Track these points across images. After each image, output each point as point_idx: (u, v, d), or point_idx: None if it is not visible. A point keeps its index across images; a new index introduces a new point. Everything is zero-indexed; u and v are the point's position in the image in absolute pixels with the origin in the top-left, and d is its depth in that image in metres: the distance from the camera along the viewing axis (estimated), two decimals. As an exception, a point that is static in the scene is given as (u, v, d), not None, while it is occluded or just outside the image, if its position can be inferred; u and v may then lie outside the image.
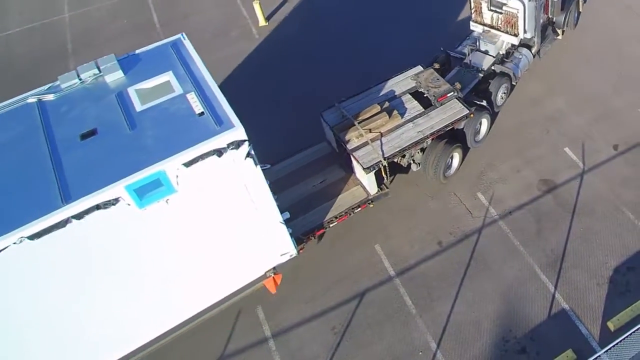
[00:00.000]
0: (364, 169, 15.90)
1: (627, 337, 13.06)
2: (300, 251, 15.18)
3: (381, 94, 17.81)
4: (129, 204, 11.34)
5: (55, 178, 11.30)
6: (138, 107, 12.70)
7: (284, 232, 14.26)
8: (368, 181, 16.48)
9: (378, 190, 16.73)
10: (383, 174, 16.32)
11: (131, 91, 13.04)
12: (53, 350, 12.07)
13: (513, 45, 19.84)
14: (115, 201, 11.14)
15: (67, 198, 10.89)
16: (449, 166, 17.96)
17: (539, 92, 20.79)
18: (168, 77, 13.33)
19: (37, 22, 25.80)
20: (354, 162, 16.46)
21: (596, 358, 12.99)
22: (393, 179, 17.73)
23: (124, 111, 12.62)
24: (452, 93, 17.53)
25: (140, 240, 12.09)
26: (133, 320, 12.98)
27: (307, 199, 15.80)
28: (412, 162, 17.65)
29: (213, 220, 12.92)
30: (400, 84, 18.12)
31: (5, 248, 10.18)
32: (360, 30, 23.82)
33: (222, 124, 12.10)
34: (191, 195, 12.11)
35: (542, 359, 14.13)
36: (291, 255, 14.83)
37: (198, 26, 24.75)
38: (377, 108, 16.98)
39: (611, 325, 14.49)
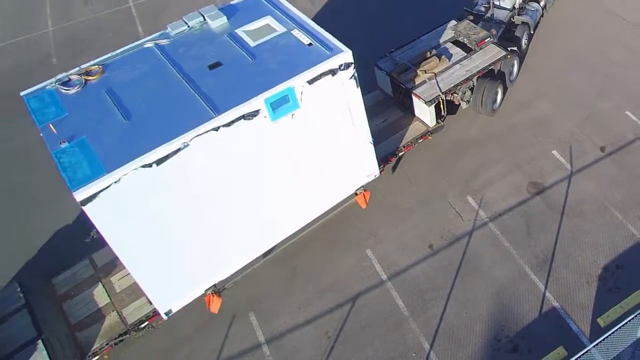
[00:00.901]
0: (425, 102, 18.67)
1: (615, 331, 13.72)
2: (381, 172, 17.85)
3: (426, 44, 20.92)
4: (265, 116, 13.86)
5: (199, 98, 13.75)
6: (251, 43, 15.17)
7: (371, 153, 16.96)
8: (428, 115, 19.20)
9: (437, 123, 19.48)
10: (441, 107, 19.23)
11: (240, 32, 15.57)
12: (205, 242, 14.42)
13: (524, 0, 23.01)
14: (255, 113, 13.65)
15: (216, 111, 13.33)
16: (495, 100, 20.80)
17: (527, 95, 21.65)
18: (268, 20, 15.88)
19: (20, 37, 26.43)
20: (414, 100, 19.26)
21: (585, 352, 13.62)
22: (445, 117, 19.79)
23: (240, 46, 15.14)
24: (489, 38, 20.63)
25: (270, 149, 14.51)
26: (262, 223, 15.37)
27: (374, 135, 16.98)
28: (461, 101, 20.38)
29: (323, 136, 15.46)
30: (441, 35, 21.17)
31: (178, 150, 12.70)
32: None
33: (331, 50, 14.69)
34: (310, 111, 14.66)
35: (534, 357, 14.80)
36: (375, 176, 17.43)
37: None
38: (428, 54, 20.13)
39: (601, 321, 15.20)
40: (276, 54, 14.87)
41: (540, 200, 18.29)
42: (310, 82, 14.24)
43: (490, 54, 20.25)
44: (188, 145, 12.80)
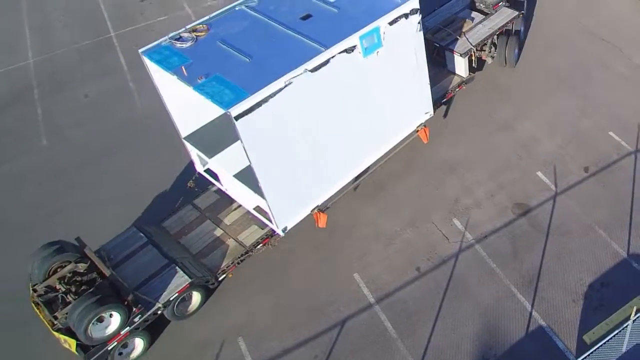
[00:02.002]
0: (461, 55, 22.41)
1: (600, 346, 14.58)
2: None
3: (448, 11, 24.66)
4: (359, 52, 17.12)
5: (304, 39, 16.94)
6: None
7: (428, 93, 20.53)
8: (463, 67, 22.91)
9: (469, 74, 23.16)
10: (472, 59, 23.09)
11: None
12: (320, 157, 17.78)
13: None
14: (353, 48, 16.91)
15: (325, 45, 16.49)
16: (515, 54, 24.89)
17: (510, 117, 22.75)
18: None
19: (0, 69, 27.27)
20: (447, 56, 23.11)
21: (571, 367, 14.48)
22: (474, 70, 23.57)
23: (322, 2, 18.39)
24: (502, 2, 24.40)
25: (361, 82, 17.87)
26: (352, 149, 18.74)
27: None
28: (488, 56, 24.16)
29: (397, 74, 18.95)
30: (459, 3, 24.89)
31: (298, 75, 15.76)
32: None
33: (402, 0, 18.03)
34: (389, 50, 18.02)
35: (522, 375, 15.62)
36: (430, 115, 20.98)
37: (166, 67, 26.36)
38: (454, 17, 24.07)
39: (587, 338, 16.09)
40: (356, 6, 18.22)
41: (525, 221, 19.26)
42: (391, 23, 17.72)
43: (505, 14, 24.25)
44: (308, 71, 16.02)
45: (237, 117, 14.74)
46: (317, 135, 17.24)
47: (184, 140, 18.97)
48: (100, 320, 15.03)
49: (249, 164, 15.96)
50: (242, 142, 15.28)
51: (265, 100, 15.25)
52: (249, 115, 15.00)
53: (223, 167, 18.33)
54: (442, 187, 20.59)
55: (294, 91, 15.83)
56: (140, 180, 21.42)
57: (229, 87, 15.37)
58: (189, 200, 19.50)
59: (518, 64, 25.02)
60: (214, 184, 19.46)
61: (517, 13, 24.42)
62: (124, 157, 22.55)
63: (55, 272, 15.83)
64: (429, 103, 20.76)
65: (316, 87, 16.41)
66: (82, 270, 15.84)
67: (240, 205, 18.98)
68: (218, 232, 18.48)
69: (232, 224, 18.70)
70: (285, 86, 15.57)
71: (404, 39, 18.41)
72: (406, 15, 17.96)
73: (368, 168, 19.68)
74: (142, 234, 17.94)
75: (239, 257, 17.76)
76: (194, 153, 19.12)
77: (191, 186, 19.53)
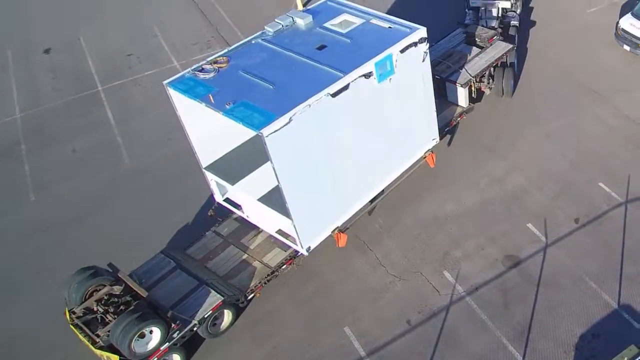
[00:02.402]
0: (461, 85, 24.67)
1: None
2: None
3: (445, 46, 27.05)
4: (374, 78, 19.23)
5: (323, 67, 18.88)
6: (342, 31, 20.56)
7: (435, 120, 22.77)
8: (463, 97, 25.22)
9: (469, 105, 25.44)
10: (472, 90, 25.38)
11: (327, 25, 20.92)
12: (346, 173, 19.78)
13: (504, 9, 29.68)
14: (370, 74, 19.02)
15: (343, 72, 18.47)
16: (511, 85, 27.18)
17: (500, 169, 23.70)
18: (345, 16, 21.31)
19: (-14, 125, 28.19)
20: (448, 87, 25.16)
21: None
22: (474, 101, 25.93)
23: (334, 34, 20.52)
24: (496, 36, 27.00)
25: (376, 106, 19.92)
26: (369, 171, 20.70)
27: None
28: (486, 88, 26.57)
29: (407, 100, 21.05)
30: (455, 38, 27.40)
31: (320, 99, 17.68)
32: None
33: (410, 28, 20.37)
34: (400, 77, 20.16)
35: None
36: (436, 142, 23.14)
37: (156, 121, 27.42)
38: (451, 51, 26.54)
39: (579, 390, 16.67)
40: (367, 36, 20.35)
41: (516, 273, 20.01)
42: (402, 51, 19.88)
43: (499, 48, 26.67)
44: (330, 95, 17.95)
45: (268, 138, 16.50)
46: (337, 157, 19.21)
47: (204, 171, 20.72)
48: (142, 336, 16.56)
49: (273, 186, 18.32)
50: (271, 162, 17.04)
51: (292, 122, 17.06)
52: (278, 136, 16.81)
53: (247, 192, 19.91)
54: (431, 239, 21.35)
55: (317, 114, 17.79)
56: (129, 237, 22.10)
57: (257, 111, 17.22)
58: (210, 227, 21.28)
59: (507, 117, 26.12)
60: (234, 212, 21.32)
61: (511, 46, 26.96)
62: (112, 213, 23.27)
63: (91, 295, 17.55)
64: (435, 129, 23.03)
65: (336, 111, 18.39)
66: (117, 293, 17.51)
67: (261, 230, 20.79)
68: (243, 255, 20.29)
69: (256, 247, 20.54)
70: (310, 109, 17.51)
71: (413, 66, 20.69)
72: (415, 44, 20.27)
73: (382, 192, 21.69)
74: (170, 259, 19.64)
75: (265, 278, 19.39)
76: (214, 183, 20.81)
77: (212, 215, 21.45)
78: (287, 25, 21.00)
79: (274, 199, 18.78)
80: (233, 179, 20.24)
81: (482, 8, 29.58)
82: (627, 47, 29.01)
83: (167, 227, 22.39)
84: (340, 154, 19.17)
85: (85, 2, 37.87)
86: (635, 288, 19.28)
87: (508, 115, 26.29)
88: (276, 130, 16.64)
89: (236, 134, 19.63)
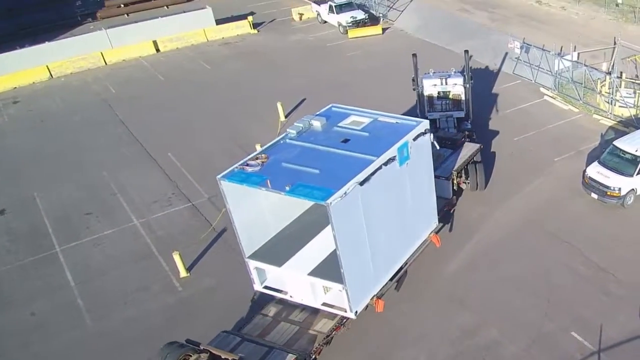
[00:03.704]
0: (445, 178, 31.89)
1: None
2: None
3: None
4: (397, 162, 25.15)
5: (354, 153, 24.57)
6: (357, 128, 26.49)
7: (434, 204, 29.41)
8: (448, 189, 32.34)
9: (452, 197, 32.70)
10: (455, 181, 33.13)
11: (341, 125, 26.83)
12: (379, 249, 25.28)
13: (459, 118, 37.87)
14: (393, 158, 24.87)
15: (375, 155, 24.20)
16: (484, 180, 34.83)
17: (472, 323, 26.52)
18: (353, 117, 27.42)
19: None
20: (435, 182, 29.70)
21: None
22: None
23: (351, 130, 26.43)
24: (464, 139, 35.39)
25: (397, 187, 25.87)
26: (397, 241, 26.77)
27: None
28: (464, 183, 34.40)
29: (417, 183, 27.23)
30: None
31: (362, 178, 23.27)
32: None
33: (415, 122, 26.90)
34: (413, 162, 26.28)
35: None
36: (436, 224, 29.72)
37: (117, 281, 30.02)
38: None
39: None
40: (380, 130, 26.40)
41: None
42: (415, 139, 26.12)
43: (469, 147, 34.61)
44: (370, 174, 23.66)
45: (332, 207, 21.67)
46: (373, 230, 24.48)
47: (246, 260, 25.68)
48: None
49: (321, 260, 24.69)
50: (333, 229, 22.19)
51: (347, 195, 22.37)
52: (338, 206, 22.04)
53: (295, 269, 24.84)
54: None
55: (361, 191, 23.20)
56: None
57: (315, 188, 22.50)
58: (256, 311, 26.33)
59: (475, 270, 29.19)
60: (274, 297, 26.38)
61: (478, 145, 34.82)
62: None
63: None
64: (435, 213, 29.65)
65: (372, 190, 23.81)
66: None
67: (305, 307, 25.69)
68: (295, 328, 25.04)
69: (304, 321, 25.42)
70: (357, 186, 22.90)
71: (421, 153, 27.04)
72: (423, 134, 26.69)
73: (401, 268, 27.30)
74: (233, 336, 24.20)
75: (322, 342, 24.27)
76: (255, 271, 25.75)
77: (253, 299, 26.90)
78: (305, 128, 26.55)
79: (324, 271, 24.31)
80: (279, 262, 25.18)
81: (439, 119, 38.23)
82: (594, 195, 32.84)
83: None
84: (375, 228, 24.51)
85: (40, 161, 41.60)
86: None
87: (476, 268, 29.50)
88: (337, 200, 21.91)
89: (284, 215, 26.75)
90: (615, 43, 47.90)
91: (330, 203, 21.57)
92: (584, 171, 33.95)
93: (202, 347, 22.74)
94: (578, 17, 60.97)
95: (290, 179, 23.06)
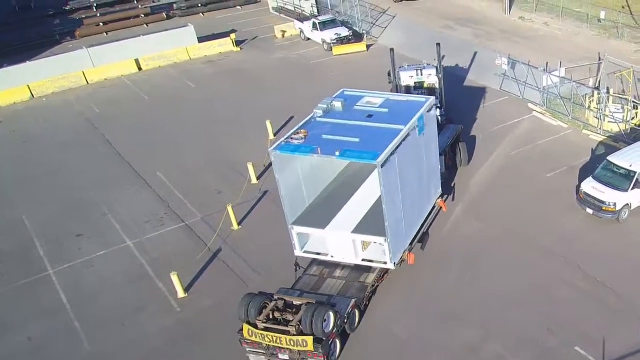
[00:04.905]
0: (439, 154, 34.77)
1: None
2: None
3: None
4: (417, 131, 29.15)
5: (383, 124, 28.28)
6: (375, 106, 30.20)
7: (439, 174, 33.86)
8: (442, 164, 35.83)
9: (444, 171, 36.62)
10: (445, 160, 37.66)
11: (359, 105, 30.48)
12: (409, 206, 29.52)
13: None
14: (414, 129, 28.78)
15: (402, 124, 28.06)
16: (467, 157, 39.93)
17: (475, 339, 26.82)
18: (368, 98, 31.05)
19: None
20: None
21: None
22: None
23: (371, 108, 30.14)
24: (445, 121, 40.12)
25: (417, 153, 29.96)
26: (418, 201, 31.00)
27: None
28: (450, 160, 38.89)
29: (429, 152, 31.50)
30: None
31: (399, 142, 27.28)
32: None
33: (425, 99, 31.19)
34: (427, 133, 30.61)
35: None
36: (440, 192, 34.20)
37: (113, 303, 30.04)
38: None
39: None
40: (396, 107, 30.33)
41: None
42: (428, 111, 30.61)
43: (452, 128, 39.38)
44: (404, 140, 27.77)
45: (383, 168, 25.76)
46: (404, 190, 28.35)
47: (290, 227, 28.93)
48: (324, 320, 24.93)
49: (361, 218, 28.77)
50: (381, 187, 26.15)
51: (389, 156, 26.34)
52: (385, 166, 26.03)
53: (339, 230, 28.42)
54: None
55: (398, 154, 27.15)
56: None
57: (361, 152, 26.30)
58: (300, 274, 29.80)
59: (474, 283, 29.57)
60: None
61: (460, 126, 39.86)
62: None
63: (263, 308, 25.99)
64: (439, 182, 34.06)
65: (403, 153, 27.72)
66: (280, 306, 26.06)
67: (346, 265, 29.51)
68: (342, 282, 28.78)
69: (348, 276, 29.17)
70: (398, 146, 27.13)
71: (431, 126, 31.34)
72: (435, 107, 31.67)
73: (421, 229, 31.67)
74: (292, 290, 28.12)
75: (370, 290, 28.35)
76: (296, 237, 29.14)
77: (297, 265, 30.19)
78: (329, 108, 29.88)
79: (365, 228, 28.18)
80: (323, 225, 28.70)
81: None
82: (590, 211, 33.42)
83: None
84: (404, 189, 28.38)
85: (26, 182, 41.58)
86: None
87: (475, 283, 29.92)
88: (384, 162, 25.89)
89: (316, 184, 30.53)
90: (600, 59, 48.84)
91: (380, 162, 25.43)
92: (579, 186, 34.53)
93: (276, 297, 26.47)
94: (561, 33, 62.14)
95: (337, 146, 26.51)
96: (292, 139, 27.43)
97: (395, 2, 75.52)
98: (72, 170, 42.52)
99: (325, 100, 30.43)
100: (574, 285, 29.26)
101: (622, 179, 33.28)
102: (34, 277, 32.35)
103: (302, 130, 28.03)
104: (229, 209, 34.73)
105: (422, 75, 41.75)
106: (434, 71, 41.84)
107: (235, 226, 34.96)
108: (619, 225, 33.28)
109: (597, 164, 35.67)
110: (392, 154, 26.54)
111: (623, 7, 63.96)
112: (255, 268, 31.83)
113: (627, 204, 33.12)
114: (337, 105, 30.08)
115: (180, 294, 30.17)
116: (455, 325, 27.53)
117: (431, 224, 33.39)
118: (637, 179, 32.88)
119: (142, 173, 41.38)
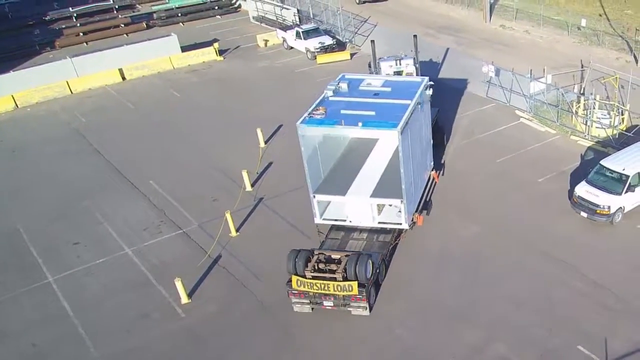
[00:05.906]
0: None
1: None
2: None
3: None
4: (419, 105, 33.36)
5: (390, 100, 32.62)
6: (377, 86, 34.49)
7: (431, 148, 38.17)
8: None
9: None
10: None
11: (363, 85, 34.61)
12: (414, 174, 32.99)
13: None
14: (417, 104, 32.71)
15: (409, 99, 32.43)
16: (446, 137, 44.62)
17: (478, 340, 27.45)
18: (368, 80, 35.46)
19: None
20: None
21: None
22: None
23: (375, 87, 34.32)
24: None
25: (419, 126, 33.86)
26: (420, 168, 35.03)
27: None
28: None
29: (426, 126, 36.24)
30: None
31: (411, 113, 31.62)
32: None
33: (420, 79, 36.08)
34: (424, 108, 35.18)
35: None
36: (432, 165, 38.56)
37: (116, 310, 30.37)
38: None
39: None
40: (397, 86, 34.60)
41: None
42: (426, 88, 34.95)
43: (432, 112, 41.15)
44: (411, 113, 31.47)
45: (401, 135, 29.49)
46: (412, 157, 31.82)
47: (312, 195, 32.00)
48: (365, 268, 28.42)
49: (376, 182, 32.31)
50: (400, 153, 29.84)
51: (405, 125, 30.19)
52: (403, 134, 29.75)
53: (359, 195, 31.65)
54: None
55: (409, 125, 30.96)
56: None
57: (381, 122, 30.28)
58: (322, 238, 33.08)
59: (476, 287, 30.24)
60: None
61: (437, 109, 42.68)
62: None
63: (308, 260, 29.24)
64: (431, 155, 38.45)
65: (412, 125, 31.54)
66: (322, 259, 29.44)
67: (363, 229, 32.93)
68: (363, 242, 32.24)
69: (367, 237, 32.57)
70: (410, 116, 31.23)
71: (426, 102, 35.54)
72: (430, 86, 35.34)
73: (423, 194, 35.99)
74: (324, 249, 31.09)
75: (389, 247, 32.07)
76: (316, 206, 32.26)
77: (319, 231, 33.39)
78: (337, 89, 33.63)
79: (381, 191, 31.68)
80: (343, 191, 31.95)
81: None
82: (584, 214, 34.31)
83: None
84: (412, 157, 31.84)
85: (18, 192, 41.85)
86: None
87: (475, 286, 30.58)
88: (402, 129, 29.61)
89: (328, 156, 33.40)
90: (583, 66, 49.96)
91: (399, 130, 29.24)
92: (572, 190, 35.40)
93: (316, 252, 29.66)
94: (543, 40, 63.32)
95: (357, 119, 30.28)
96: (313, 114, 31.09)
97: (358, 4, 78.12)
98: (64, 180, 42.72)
99: (330, 83, 34.17)
100: (572, 286, 29.99)
101: (615, 183, 34.18)
102: (34, 285, 32.56)
103: (321, 107, 31.74)
104: (228, 215, 35.17)
105: (400, 65, 47.80)
106: (411, 61, 48.07)
107: (234, 233, 35.39)
108: (613, 228, 34.17)
109: (588, 169, 36.66)
110: (406, 123, 30.21)
111: (600, 15, 65.35)
112: (256, 273, 32.29)
113: (621, 207, 34.05)
114: (343, 86, 33.99)
115: (184, 299, 30.54)
116: (459, 326, 28.15)
117: (431, 193, 37.85)
118: (630, 183, 33.83)
119: (135, 181, 41.70)
